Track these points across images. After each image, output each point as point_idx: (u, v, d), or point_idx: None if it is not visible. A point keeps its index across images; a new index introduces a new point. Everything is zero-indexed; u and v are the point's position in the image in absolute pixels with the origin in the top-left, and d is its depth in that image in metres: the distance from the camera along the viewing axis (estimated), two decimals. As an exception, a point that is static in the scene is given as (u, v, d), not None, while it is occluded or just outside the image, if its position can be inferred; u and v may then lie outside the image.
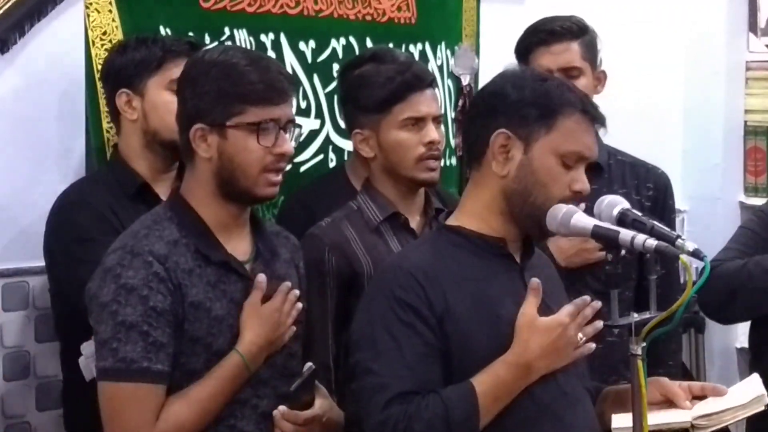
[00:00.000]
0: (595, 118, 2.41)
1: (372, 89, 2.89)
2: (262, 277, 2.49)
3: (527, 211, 2.38)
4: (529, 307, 2.33)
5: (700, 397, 2.45)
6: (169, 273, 2.40)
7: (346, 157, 3.57)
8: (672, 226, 3.31)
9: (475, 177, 2.44)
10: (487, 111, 2.40)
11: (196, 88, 2.46)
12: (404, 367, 2.28)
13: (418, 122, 2.87)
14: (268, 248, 2.58)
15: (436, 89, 3.08)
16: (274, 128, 2.46)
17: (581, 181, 2.39)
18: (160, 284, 2.39)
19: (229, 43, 3.37)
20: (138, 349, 2.35)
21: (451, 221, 2.45)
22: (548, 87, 2.39)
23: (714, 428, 2.40)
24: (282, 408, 2.50)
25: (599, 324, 2.37)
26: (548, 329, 2.32)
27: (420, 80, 2.89)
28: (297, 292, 2.54)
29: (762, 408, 2.47)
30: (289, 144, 2.49)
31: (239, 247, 2.52)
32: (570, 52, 3.22)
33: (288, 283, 2.54)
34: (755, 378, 2.57)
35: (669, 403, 2.43)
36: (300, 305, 2.54)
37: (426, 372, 2.29)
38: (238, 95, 2.43)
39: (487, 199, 2.40)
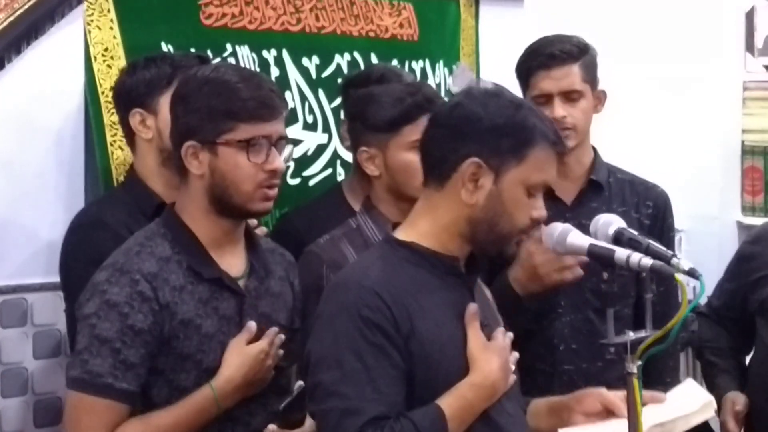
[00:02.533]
0: (561, 147, 2.39)
1: (382, 108, 2.87)
2: (252, 325, 2.50)
3: (492, 238, 2.35)
4: (476, 331, 2.32)
5: None
6: (156, 292, 2.40)
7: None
8: (672, 244, 3.32)
9: (434, 197, 2.36)
10: (457, 134, 2.34)
11: (188, 105, 2.47)
12: (373, 390, 2.21)
13: None
14: (262, 265, 2.58)
15: None
16: (265, 145, 2.46)
17: (540, 209, 2.36)
18: (143, 304, 2.39)
19: (231, 59, 3.39)
20: (106, 365, 2.36)
21: (403, 237, 2.39)
22: (522, 116, 2.33)
23: None
24: (272, 427, 2.50)
25: (516, 354, 2.40)
26: (500, 350, 2.33)
27: (430, 103, 2.86)
28: (282, 336, 2.54)
29: (712, 414, 2.50)
30: (280, 160, 2.49)
31: (233, 263, 2.53)
32: (571, 76, 3.20)
33: (275, 329, 2.53)
34: (691, 382, 2.59)
35: (607, 413, 2.42)
36: (282, 352, 2.54)
37: (395, 395, 2.24)
38: (229, 112, 2.44)
39: (447, 221, 2.35)
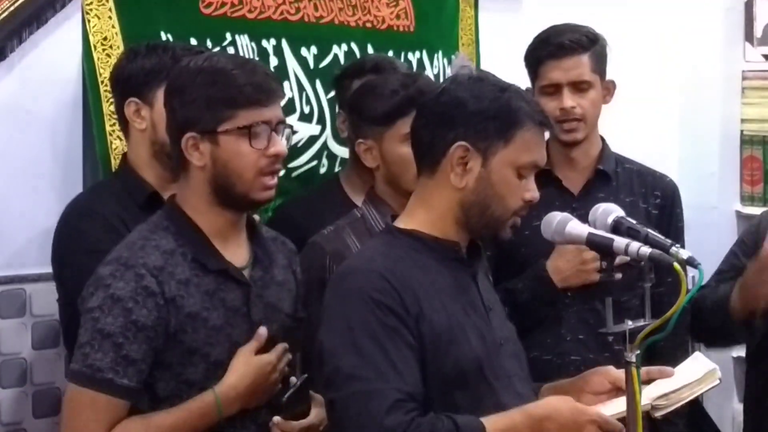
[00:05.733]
0: (549, 128, 2.45)
1: (377, 101, 2.89)
2: (263, 331, 2.49)
3: (485, 221, 2.39)
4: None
5: (647, 382, 2.46)
6: (162, 286, 2.39)
7: (338, 164, 3.59)
8: (680, 234, 3.32)
9: (428, 185, 2.42)
10: (443, 120, 2.38)
11: (184, 97, 2.45)
12: (394, 372, 2.23)
13: None
14: (265, 254, 2.58)
15: None
16: (265, 130, 2.45)
17: (532, 190, 2.41)
18: (148, 298, 2.38)
19: (231, 48, 3.39)
20: (107, 360, 2.34)
21: (403, 226, 2.43)
22: (507, 99, 2.38)
23: (673, 407, 2.43)
24: (277, 418, 2.50)
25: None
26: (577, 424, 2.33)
27: (424, 95, 2.85)
28: (290, 356, 2.54)
29: (717, 382, 2.51)
30: (282, 145, 2.48)
31: (237, 253, 2.52)
32: (580, 67, 3.21)
33: (284, 345, 2.53)
34: (699, 355, 2.59)
35: (617, 390, 2.43)
36: (287, 369, 2.54)
37: (412, 374, 2.26)
38: (227, 100, 2.42)
39: (441, 208, 2.40)
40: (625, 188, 3.28)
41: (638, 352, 2.26)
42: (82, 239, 2.82)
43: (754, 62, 4.80)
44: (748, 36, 4.79)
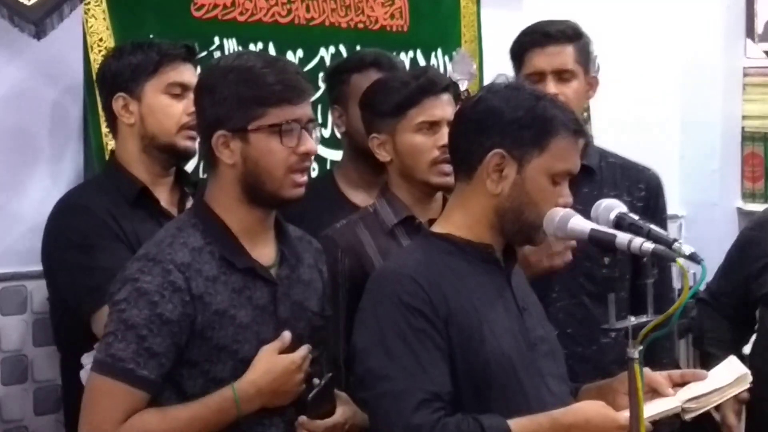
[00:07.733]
0: (583, 136, 2.50)
1: (388, 94, 2.92)
2: (288, 335, 2.49)
3: (518, 227, 2.44)
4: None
5: (681, 384, 2.49)
6: (189, 283, 2.40)
7: (328, 167, 3.59)
8: (664, 226, 3.32)
9: (464, 190, 2.48)
10: (480, 128, 2.44)
11: (215, 95, 2.46)
12: (421, 372, 2.31)
13: (432, 126, 2.88)
14: (292, 253, 2.58)
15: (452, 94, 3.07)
16: (296, 128, 2.46)
17: (566, 196, 2.45)
18: (174, 294, 2.39)
19: (218, 52, 3.39)
20: (129, 351, 2.36)
21: (438, 230, 2.49)
22: (543, 108, 2.43)
23: (703, 409, 2.46)
24: (302, 418, 2.51)
25: None
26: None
27: (434, 85, 2.90)
28: (311, 356, 2.53)
29: (747, 386, 2.53)
30: (312, 143, 2.49)
31: (264, 252, 2.53)
32: (564, 55, 3.23)
33: (308, 346, 2.52)
34: (733, 359, 2.62)
35: (652, 392, 2.45)
36: (310, 370, 2.54)
37: (440, 375, 2.33)
38: (258, 98, 2.44)
39: (477, 213, 2.46)
40: (609, 182, 3.29)
41: (641, 347, 2.26)
42: (71, 235, 2.85)
43: (755, 59, 4.81)
44: (749, 32, 4.80)
